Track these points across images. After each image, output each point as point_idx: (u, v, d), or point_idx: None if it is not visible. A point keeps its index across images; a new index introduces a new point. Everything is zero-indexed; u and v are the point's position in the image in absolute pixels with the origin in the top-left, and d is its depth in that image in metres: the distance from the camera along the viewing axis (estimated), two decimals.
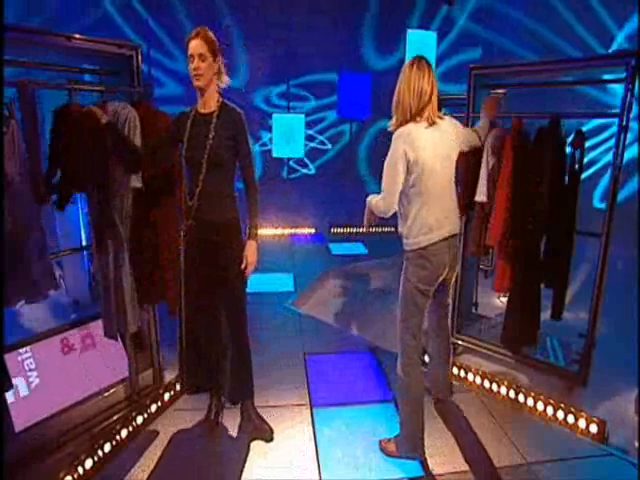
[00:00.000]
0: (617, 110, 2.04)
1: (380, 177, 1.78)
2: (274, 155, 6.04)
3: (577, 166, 2.21)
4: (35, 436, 1.91)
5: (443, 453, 2.01)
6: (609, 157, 4.83)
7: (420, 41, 5.39)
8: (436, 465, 1.94)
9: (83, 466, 1.81)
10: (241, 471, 1.91)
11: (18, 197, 1.69)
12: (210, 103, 1.78)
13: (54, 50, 1.95)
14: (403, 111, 1.73)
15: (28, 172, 1.72)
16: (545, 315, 2.47)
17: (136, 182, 1.86)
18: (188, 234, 1.88)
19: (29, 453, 1.85)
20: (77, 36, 1.89)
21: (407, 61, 1.76)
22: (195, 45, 1.69)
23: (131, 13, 5.63)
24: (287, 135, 5.77)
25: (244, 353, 2.00)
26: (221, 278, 1.87)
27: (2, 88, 1.37)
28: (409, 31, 5.38)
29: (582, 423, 2.10)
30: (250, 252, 1.83)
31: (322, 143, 6.48)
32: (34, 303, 1.82)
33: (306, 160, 6.43)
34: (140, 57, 2.11)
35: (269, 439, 2.07)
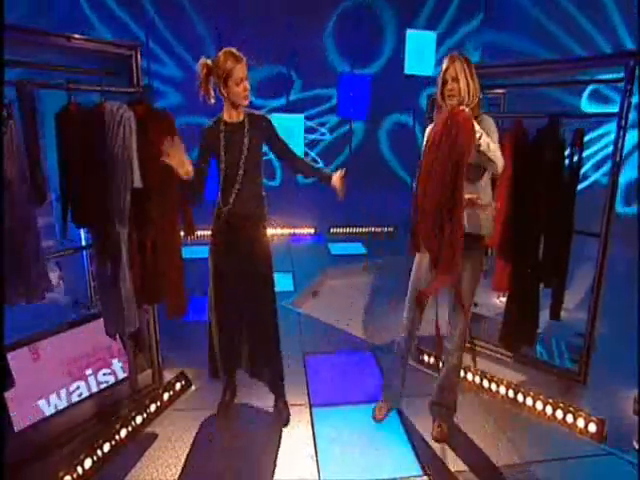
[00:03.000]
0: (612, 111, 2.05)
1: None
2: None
3: (575, 166, 2.21)
4: (35, 436, 1.91)
5: (442, 453, 2.01)
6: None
7: (420, 41, 5.39)
8: (434, 464, 1.94)
9: (82, 466, 1.81)
10: (239, 470, 1.91)
11: (16, 197, 1.69)
12: (239, 114, 1.96)
13: (54, 50, 1.95)
14: (475, 99, 1.79)
15: (27, 173, 1.72)
16: (544, 315, 2.47)
17: (137, 182, 1.86)
18: (219, 234, 2.03)
19: (29, 453, 1.85)
20: (76, 36, 1.89)
21: (463, 54, 1.79)
22: (242, 68, 1.84)
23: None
24: (286, 136, 5.76)
25: (275, 337, 2.15)
26: (252, 269, 2.04)
27: (2, 88, 1.38)
28: (408, 31, 5.38)
29: (581, 422, 2.11)
30: (339, 183, 2.05)
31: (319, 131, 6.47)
32: (31, 303, 1.82)
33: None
34: (139, 57, 2.12)
35: (285, 423, 2.19)
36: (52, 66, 2.08)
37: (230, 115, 1.94)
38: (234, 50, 1.86)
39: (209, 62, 1.86)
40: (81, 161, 1.85)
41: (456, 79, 1.76)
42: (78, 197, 1.91)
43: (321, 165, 2.12)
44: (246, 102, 1.90)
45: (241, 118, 1.95)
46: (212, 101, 1.90)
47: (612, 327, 2.76)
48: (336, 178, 2.04)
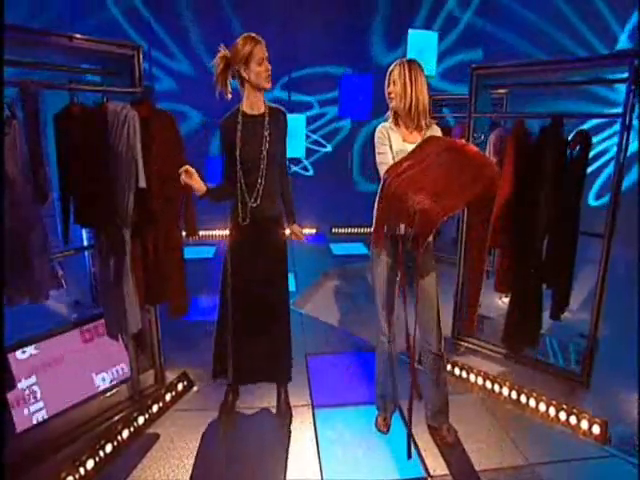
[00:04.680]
0: (619, 110, 2.04)
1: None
2: None
3: (580, 166, 2.20)
4: (37, 436, 1.91)
5: (444, 454, 2.00)
6: (605, 157, 4.91)
7: (421, 41, 5.37)
8: (437, 466, 1.94)
9: (85, 466, 1.81)
10: (242, 471, 1.90)
11: (19, 197, 1.69)
12: (260, 104, 1.90)
13: (56, 50, 1.95)
14: (427, 112, 1.83)
15: (30, 172, 1.72)
16: (546, 315, 2.46)
17: (141, 182, 1.86)
18: (241, 232, 1.96)
19: (30, 453, 1.85)
20: (78, 36, 1.89)
21: (418, 63, 1.83)
22: (263, 48, 1.80)
23: (134, 13, 5.64)
24: (289, 135, 5.75)
25: (289, 333, 2.14)
26: (273, 267, 2.02)
27: (2, 88, 1.37)
28: (410, 31, 5.36)
29: (584, 424, 2.10)
30: (299, 230, 2.16)
31: (322, 145, 6.48)
32: (36, 303, 1.82)
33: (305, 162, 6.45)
34: (141, 57, 2.11)
35: (288, 423, 2.19)
36: (54, 66, 2.08)
37: (251, 105, 1.87)
38: (252, 34, 1.81)
39: (227, 53, 1.82)
40: (85, 161, 1.85)
41: (395, 82, 1.82)
42: (82, 197, 1.91)
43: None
44: (269, 85, 1.83)
45: (262, 110, 1.89)
46: (229, 96, 1.85)
47: (616, 328, 2.75)
48: (294, 228, 2.14)
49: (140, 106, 1.91)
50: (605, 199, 4.58)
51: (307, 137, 6.27)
